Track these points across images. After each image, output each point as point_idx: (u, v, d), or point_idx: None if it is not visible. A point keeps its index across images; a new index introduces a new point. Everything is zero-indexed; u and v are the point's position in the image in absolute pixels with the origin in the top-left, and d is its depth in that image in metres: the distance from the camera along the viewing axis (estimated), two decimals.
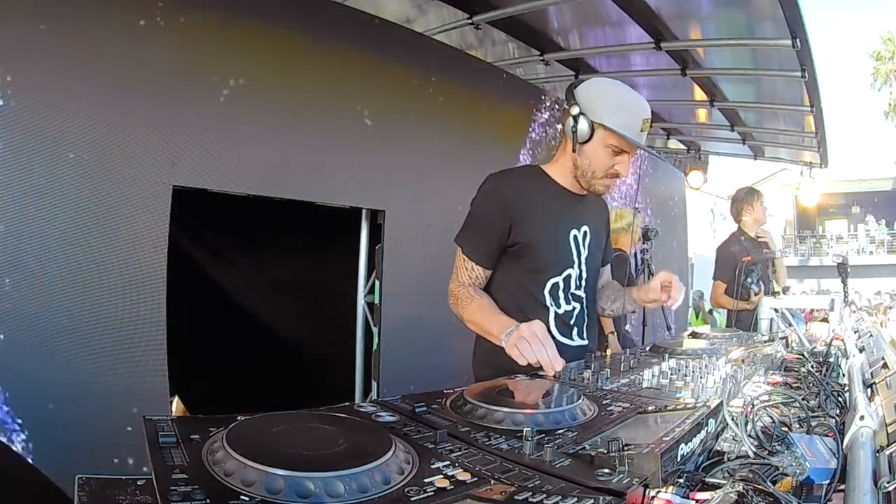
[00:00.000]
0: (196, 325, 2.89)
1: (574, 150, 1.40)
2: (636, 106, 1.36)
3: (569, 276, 1.46)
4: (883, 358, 1.09)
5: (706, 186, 6.93)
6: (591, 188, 1.44)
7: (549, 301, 1.44)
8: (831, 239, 21.25)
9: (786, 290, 3.70)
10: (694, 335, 1.73)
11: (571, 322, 1.48)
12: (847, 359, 1.27)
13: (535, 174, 1.50)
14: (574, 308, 1.49)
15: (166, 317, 2.14)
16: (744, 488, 0.58)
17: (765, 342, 1.56)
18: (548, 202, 1.45)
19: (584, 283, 1.50)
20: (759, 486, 0.58)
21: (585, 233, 1.50)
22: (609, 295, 1.66)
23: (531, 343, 1.18)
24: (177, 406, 3.18)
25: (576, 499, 0.51)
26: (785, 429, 0.78)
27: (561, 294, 1.46)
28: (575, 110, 1.36)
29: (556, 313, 1.45)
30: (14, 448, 1.76)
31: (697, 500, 0.56)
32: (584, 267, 1.49)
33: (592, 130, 1.35)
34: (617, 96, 1.37)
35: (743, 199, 3.51)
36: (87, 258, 1.98)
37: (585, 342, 1.51)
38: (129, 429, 1.90)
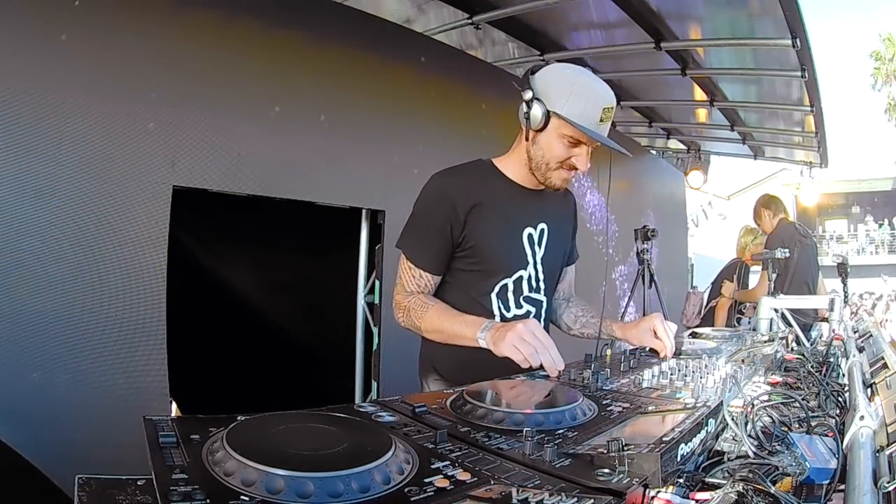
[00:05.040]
0: (196, 325, 2.89)
1: (527, 139, 1.28)
2: (595, 93, 1.21)
3: (520, 277, 1.35)
4: (883, 358, 1.09)
5: (704, 186, 6.95)
6: (546, 182, 1.31)
7: (496, 305, 1.33)
8: (831, 239, 21.28)
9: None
10: (694, 335, 1.73)
11: None
12: (847, 359, 1.27)
13: (483, 169, 1.37)
14: (528, 312, 1.36)
15: (166, 317, 2.14)
16: (744, 488, 0.58)
17: (765, 342, 1.56)
18: (498, 199, 1.32)
19: (541, 284, 1.38)
20: (759, 486, 0.58)
21: (543, 230, 1.38)
22: (577, 315, 1.50)
23: (535, 345, 1.07)
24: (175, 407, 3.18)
25: (576, 499, 0.51)
26: (785, 429, 0.78)
27: (511, 297, 1.34)
28: (528, 95, 1.23)
29: (503, 318, 1.33)
30: (14, 448, 1.76)
31: (697, 500, 0.56)
32: (539, 267, 1.37)
33: (547, 119, 1.22)
34: (573, 82, 1.22)
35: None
36: (87, 258, 1.98)
37: None
38: (129, 429, 1.90)
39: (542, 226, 1.38)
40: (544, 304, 1.40)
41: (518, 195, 1.35)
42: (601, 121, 1.21)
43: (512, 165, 1.36)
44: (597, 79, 1.26)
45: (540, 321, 1.38)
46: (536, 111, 1.22)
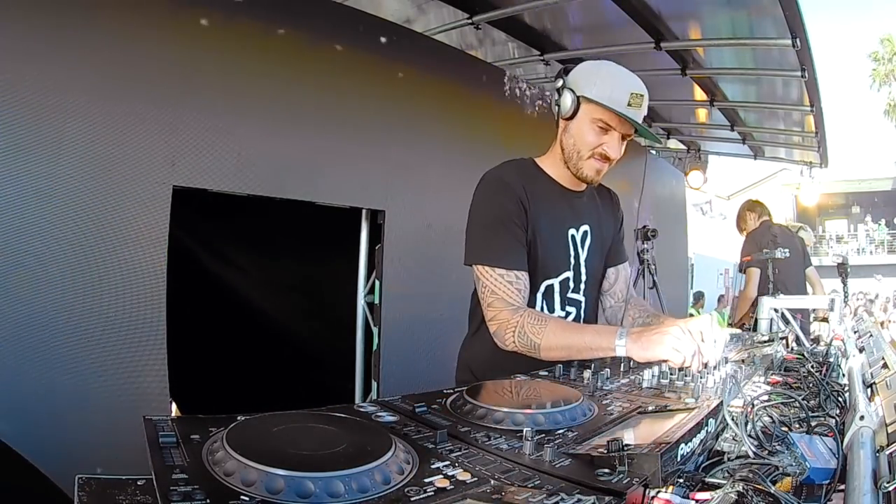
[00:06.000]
0: (196, 325, 2.89)
1: (560, 129, 1.31)
2: (623, 78, 1.25)
3: (566, 278, 1.35)
4: (883, 358, 1.09)
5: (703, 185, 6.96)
6: (579, 174, 1.31)
7: (539, 305, 1.32)
8: (831, 239, 21.29)
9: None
10: None
11: None
12: (847, 359, 1.27)
13: (529, 167, 1.37)
14: (569, 314, 1.37)
15: (166, 317, 2.14)
16: (744, 488, 0.58)
17: (765, 342, 1.56)
18: (545, 199, 1.32)
19: (581, 285, 1.38)
20: (759, 486, 0.58)
21: (585, 232, 1.38)
22: (634, 318, 1.45)
23: (694, 346, 1.02)
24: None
25: (576, 499, 0.51)
26: (785, 429, 0.78)
27: (556, 297, 1.34)
28: (559, 83, 1.29)
29: None
30: (14, 448, 1.76)
31: (697, 500, 0.56)
32: (583, 269, 1.38)
33: (578, 105, 1.25)
34: (600, 68, 1.27)
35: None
36: (87, 258, 1.98)
37: None
38: (129, 429, 1.89)
39: (585, 227, 1.39)
40: (583, 305, 1.40)
41: (561, 195, 1.36)
42: (629, 105, 1.22)
43: (551, 165, 1.37)
44: (627, 70, 1.28)
45: (579, 322, 1.38)
46: (566, 97, 1.26)
